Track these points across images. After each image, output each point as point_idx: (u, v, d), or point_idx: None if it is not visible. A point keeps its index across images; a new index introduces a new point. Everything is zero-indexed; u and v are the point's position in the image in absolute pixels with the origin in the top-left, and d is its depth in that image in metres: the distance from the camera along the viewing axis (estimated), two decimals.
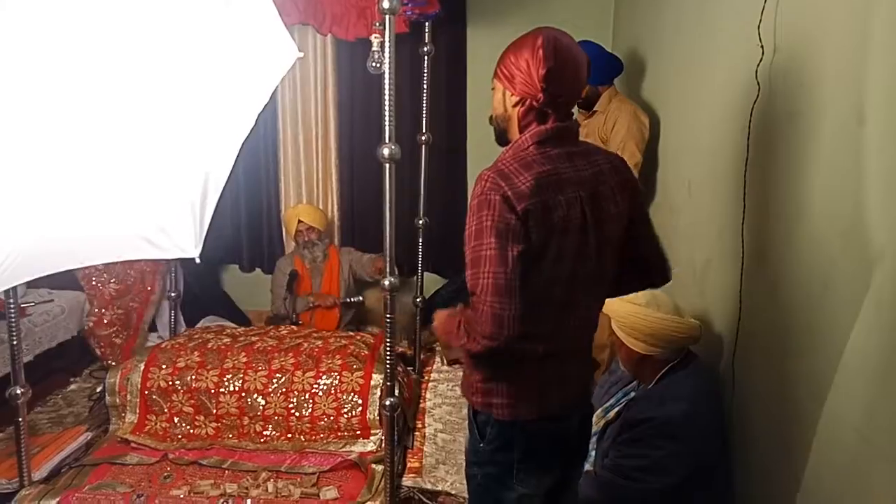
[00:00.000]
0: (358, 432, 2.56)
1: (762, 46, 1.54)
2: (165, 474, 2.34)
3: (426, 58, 2.91)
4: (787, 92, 1.50)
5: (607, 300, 1.67)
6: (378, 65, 2.19)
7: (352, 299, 3.52)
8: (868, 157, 1.17)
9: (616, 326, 1.80)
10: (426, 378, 3.23)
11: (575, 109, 2.40)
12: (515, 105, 1.26)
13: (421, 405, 2.97)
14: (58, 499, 2.12)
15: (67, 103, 0.83)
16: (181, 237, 0.93)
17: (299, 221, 3.43)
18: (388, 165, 1.84)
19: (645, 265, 1.41)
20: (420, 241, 3.03)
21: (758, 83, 1.57)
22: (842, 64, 1.26)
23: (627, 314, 1.76)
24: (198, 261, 1.04)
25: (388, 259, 1.91)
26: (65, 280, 3.32)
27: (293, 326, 3.16)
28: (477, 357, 1.27)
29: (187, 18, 0.85)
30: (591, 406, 1.48)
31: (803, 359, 1.40)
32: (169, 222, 0.92)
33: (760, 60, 1.55)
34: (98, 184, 0.91)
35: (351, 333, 3.06)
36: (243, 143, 3.73)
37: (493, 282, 1.14)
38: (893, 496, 1.08)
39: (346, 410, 2.56)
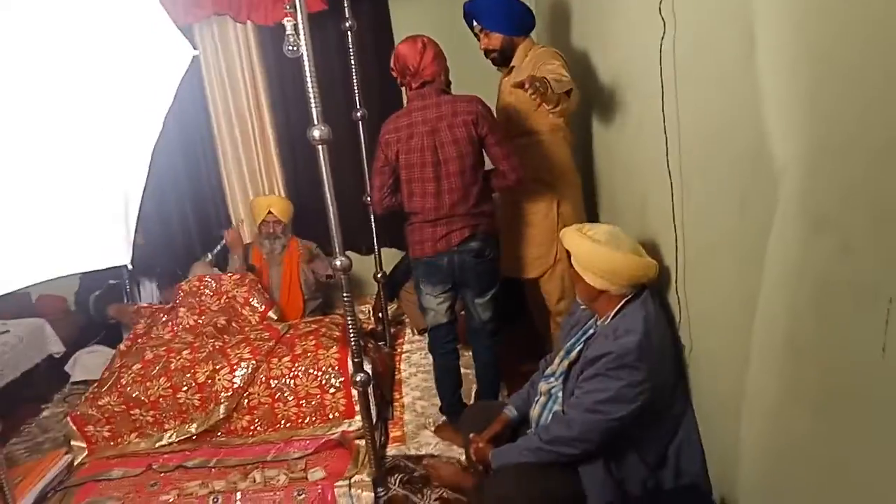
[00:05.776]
0: (343, 411, 2.58)
1: None
2: (152, 482, 2.36)
3: (349, 33, 2.89)
4: (689, 25, 1.56)
5: (569, 237, 1.89)
6: (295, 48, 2.17)
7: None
8: (763, 80, 1.23)
9: (576, 262, 1.85)
10: (398, 350, 3.29)
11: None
12: None
13: (397, 376, 3.03)
14: None
15: None
16: (110, 247, 0.95)
17: (269, 213, 3.39)
18: (321, 147, 1.85)
19: (497, 168, 2.32)
20: (372, 217, 3.05)
21: (662, 18, 1.62)
22: None
23: (587, 252, 1.81)
24: (130, 267, 1.06)
25: (334, 240, 1.93)
26: (17, 308, 3.26)
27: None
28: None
29: (77, 39, 0.85)
30: (460, 251, 2.33)
31: (732, 276, 1.48)
32: (95, 236, 0.94)
33: None
34: (15, 207, 0.91)
35: (319, 318, 3.09)
36: (181, 153, 3.58)
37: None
38: (815, 395, 1.17)
39: (329, 388, 2.58)
